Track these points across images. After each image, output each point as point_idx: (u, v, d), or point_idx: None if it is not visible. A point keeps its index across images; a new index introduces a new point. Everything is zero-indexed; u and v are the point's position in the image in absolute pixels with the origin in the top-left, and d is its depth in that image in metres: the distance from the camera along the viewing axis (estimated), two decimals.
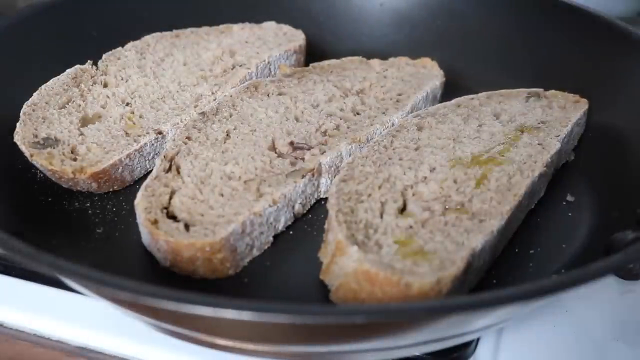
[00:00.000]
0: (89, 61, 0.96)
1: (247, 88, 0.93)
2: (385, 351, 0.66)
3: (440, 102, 0.98)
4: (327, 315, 0.52)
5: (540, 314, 0.77)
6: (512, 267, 0.77)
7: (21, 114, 0.86)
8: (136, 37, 1.03)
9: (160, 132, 0.88)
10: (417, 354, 0.70)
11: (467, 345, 0.72)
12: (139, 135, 0.87)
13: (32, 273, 0.79)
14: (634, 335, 0.76)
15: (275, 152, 0.84)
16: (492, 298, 0.55)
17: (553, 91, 0.97)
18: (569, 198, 0.86)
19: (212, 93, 0.94)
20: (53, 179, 0.84)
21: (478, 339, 0.73)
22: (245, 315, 0.50)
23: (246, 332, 0.61)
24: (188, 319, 0.58)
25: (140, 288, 0.51)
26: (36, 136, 0.84)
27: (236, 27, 1.09)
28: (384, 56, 1.05)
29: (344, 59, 1.03)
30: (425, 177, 0.79)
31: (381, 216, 0.74)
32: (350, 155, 0.85)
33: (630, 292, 0.81)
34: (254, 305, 0.51)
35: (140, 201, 0.76)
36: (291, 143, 0.85)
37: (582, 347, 0.74)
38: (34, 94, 0.89)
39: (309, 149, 0.85)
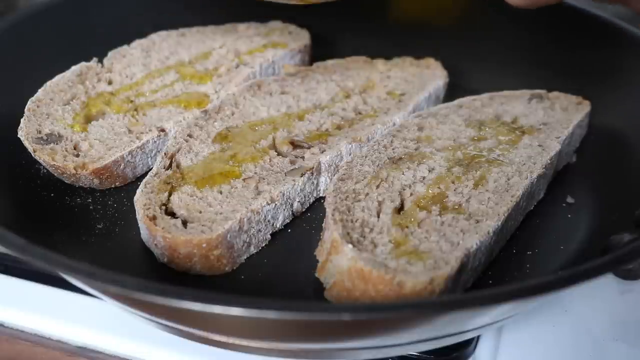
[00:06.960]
0: (94, 58, 0.96)
1: (251, 87, 0.94)
2: (382, 349, 0.66)
3: (443, 102, 0.98)
4: (312, 312, 0.52)
5: (539, 314, 0.77)
6: (508, 268, 0.77)
7: (25, 110, 0.87)
8: (142, 35, 1.04)
9: (162, 130, 0.88)
10: (417, 352, 0.70)
11: (467, 344, 0.72)
12: (142, 133, 0.87)
13: (33, 273, 0.79)
14: (634, 335, 0.76)
15: (276, 151, 0.85)
16: (480, 297, 0.55)
17: (556, 92, 0.96)
18: (569, 200, 0.86)
19: (216, 92, 0.95)
20: (56, 175, 0.85)
21: (478, 338, 0.74)
22: (222, 310, 0.51)
23: (239, 328, 0.62)
24: (177, 314, 0.58)
25: (127, 281, 0.52)
26: (40, 132, 0.85)
27: (242, 27, 1.10)
28: (388, 56, 1.05)
29: (347, 58, 1.04)
30: (424, 177, 0.79)
31: (378, 215, 0.74)
32: (350, 155, 0.85)
33: (629, 292, 0.81)
34: (226, 299, 0.51)
35: (139, 197, 0.76)
36: (291, 142, 0.86)
37: (582, 347, 0.74)
38: (39, 90, 0.90)
39: (309, 148, 0.85)
